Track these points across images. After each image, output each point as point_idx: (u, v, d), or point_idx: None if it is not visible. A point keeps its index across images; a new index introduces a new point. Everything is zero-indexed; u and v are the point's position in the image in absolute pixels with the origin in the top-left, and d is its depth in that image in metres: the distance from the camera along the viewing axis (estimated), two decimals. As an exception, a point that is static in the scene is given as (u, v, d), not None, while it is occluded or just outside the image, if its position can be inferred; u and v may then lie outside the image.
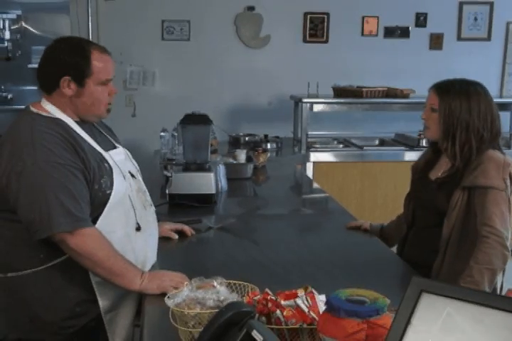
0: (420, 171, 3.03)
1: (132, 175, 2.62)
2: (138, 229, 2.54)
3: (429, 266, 2.80)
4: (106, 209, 2.41)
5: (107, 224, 2.40)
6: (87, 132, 2.47)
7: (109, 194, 2.43)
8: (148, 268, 2.58)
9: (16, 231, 2.37)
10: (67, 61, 2.40)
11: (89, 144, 2.44)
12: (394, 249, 3.14)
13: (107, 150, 2.53)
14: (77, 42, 2.48)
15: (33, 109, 2.44)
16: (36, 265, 2.39)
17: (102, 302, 2.44)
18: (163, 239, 2.92)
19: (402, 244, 3.07)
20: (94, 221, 2.36)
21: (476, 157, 2.75)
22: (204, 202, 3.68)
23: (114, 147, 2.64)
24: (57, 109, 2.43)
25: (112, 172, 2.46)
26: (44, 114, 2.41)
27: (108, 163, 2.47)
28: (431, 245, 2.83)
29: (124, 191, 2.50)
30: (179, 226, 3.14)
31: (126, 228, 2.49)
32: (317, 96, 6.19)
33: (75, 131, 2.42)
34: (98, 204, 2.40)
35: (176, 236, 3.08)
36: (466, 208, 2.73)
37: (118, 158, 2.57)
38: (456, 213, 2.75)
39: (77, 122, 2.45)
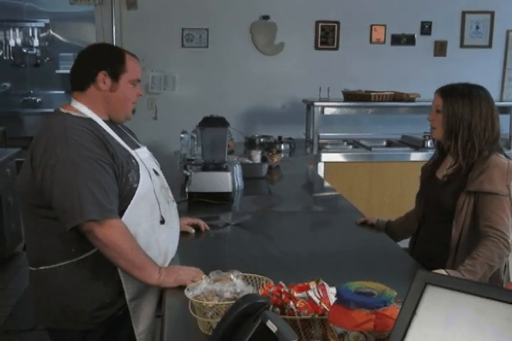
0: (428, 171, 3.04)
1: (156, 173, 2.63)
2: (162, 222, 2.54)
3: (439, 260, 2.79)
4: (132, 201, 2.41)
5: (134, 217, 2.40)
6: (114, 131, 2.50)
7: (136, 188, 2.44)
8: (169, 259, 2.59)
9: (48, 227, 2.39)
10: (104, 57, 2.48)
11: (117, 141, 2.47)
12: (400, 243, 3.14)
13: (132, 148, 2.55)
14: (112, 45, 2.53)
15: (63, 110, 2.46)
16: (67, 258, 2.40)
17: (128, 290, 2.44)
18: (181, 234, 2.91)
19: (414, 239, 3.09)
20: (121, 214, 2.37)
21: (481, 161, 2.77)
22: (221, 200, 3.68)
23: (138, 147, 2.65)
24: (87, 108, 2.45)
25: (138, 167, 2.48)
26: (74, 113, 2.43)
27: (135, 159, 2.49)
28: (440, 241, 2.83)
29: (150, 186, 2.51)
30: (195, 220, 3.15)
31: (152, 221, 2.50)
32: (328, 100, 6.19)
33: (104, 129, 2.44)
34: (125, 197, 2.41)
35: (193, 231, 3.09)
36: (475, 212, 2.75)
37: (143, 156, 2.59)
38: (463, 216, 2.76)
39: (105, 122, 2.48)
